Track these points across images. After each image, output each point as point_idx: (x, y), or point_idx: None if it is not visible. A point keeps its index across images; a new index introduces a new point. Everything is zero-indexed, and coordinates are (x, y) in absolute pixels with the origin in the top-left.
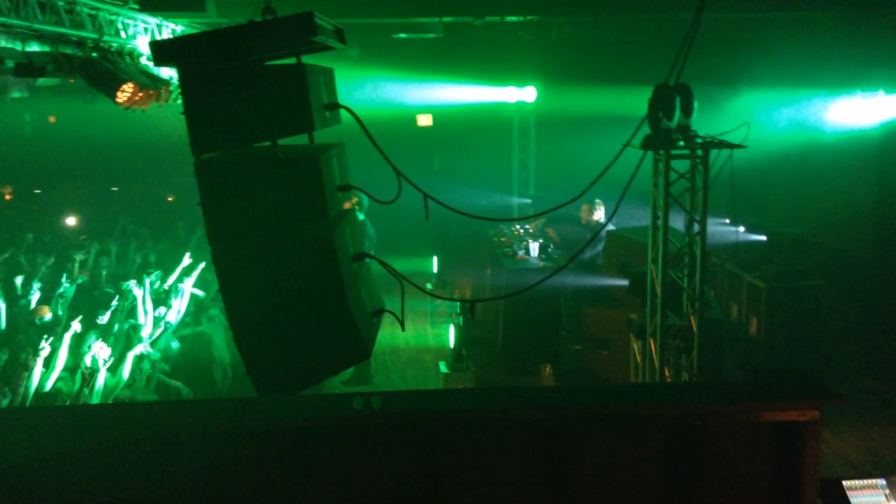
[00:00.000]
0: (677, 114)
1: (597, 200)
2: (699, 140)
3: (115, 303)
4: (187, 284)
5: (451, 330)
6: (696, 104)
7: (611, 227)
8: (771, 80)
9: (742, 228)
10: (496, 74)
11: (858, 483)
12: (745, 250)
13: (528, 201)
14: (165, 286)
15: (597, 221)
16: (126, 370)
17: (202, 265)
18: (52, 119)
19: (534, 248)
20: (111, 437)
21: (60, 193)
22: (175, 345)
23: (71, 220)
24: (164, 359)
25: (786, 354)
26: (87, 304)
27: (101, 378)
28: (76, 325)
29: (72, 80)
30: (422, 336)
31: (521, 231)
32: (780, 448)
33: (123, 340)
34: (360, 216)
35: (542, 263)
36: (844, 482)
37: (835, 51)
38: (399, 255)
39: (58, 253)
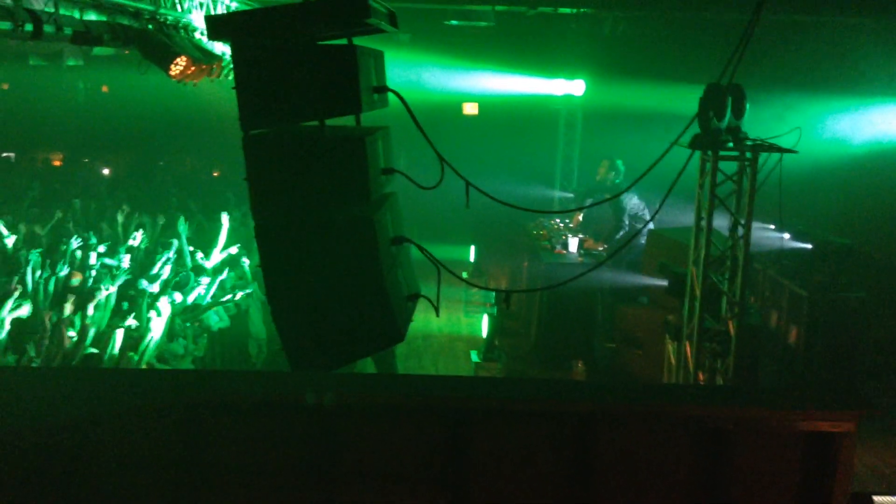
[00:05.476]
0: (728, 114)
1: (618, 161)
2: (749, 142)
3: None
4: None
5: (485, 320)
6: (748, 105)
7: (651, 225)
8: (827, 86)
9: (787, 235)
10: (546, 66)
11: (890, 500)
12: (789, 257)
13: (571, 195)
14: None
15: (612, 179)
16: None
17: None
18: (105, 89)
19: (573, 242)
20: (151, 401)
21: (109, 162)
22: (215, 318)
23: (116, 188)
24: (200, 331)
25: (825, 365)
26: (131, 270)
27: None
28: (106, 292)
29: (126, 52)
30: (455, 324)
31: (561, 225)
32: (812, 458)
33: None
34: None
35: (580, 259)
36: (875, 497)
37: (893, 58)
38: (437, 241)
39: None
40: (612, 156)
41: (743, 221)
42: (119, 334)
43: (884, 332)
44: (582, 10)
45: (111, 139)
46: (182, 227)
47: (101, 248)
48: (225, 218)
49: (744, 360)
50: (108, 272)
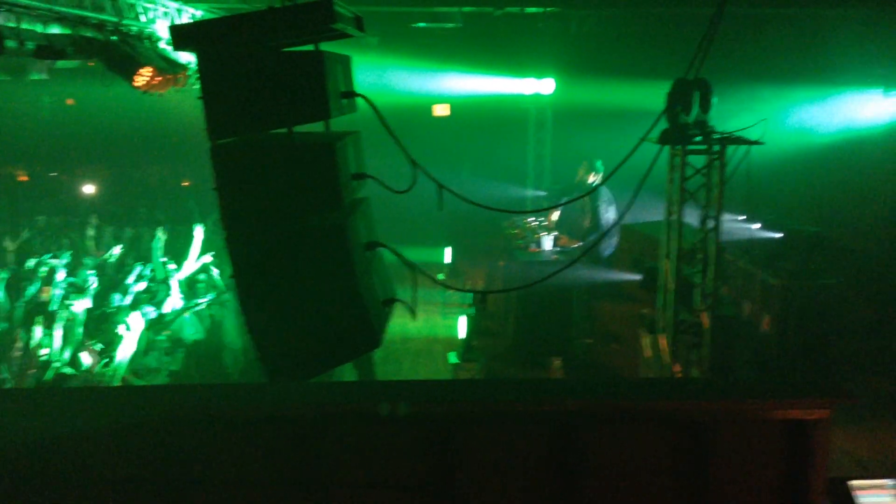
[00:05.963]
0: (695, 109)
1: (597, 163)
2: (716, 136)
3: (136, 288)
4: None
5: (462, 321)
6: (714, 99)
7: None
8: (791, 76)
9: (757, 225)
10: (515, 66)
11: (867, 483)
12: (760, 247)
13: (543, 194)
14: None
15: (589, 183)
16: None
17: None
18: (70, 102)
19: (547, 241)
20: (121, 419)
21: (76, 176)
22: (190, 330)
23: (84, 201)
24: (173, 343)
25: (798, 353)
26: (101, 285)
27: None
28: (76, 308)
29: (91, 64)
30: (433, 326)
31: (535, 224)
32: (789, 446)
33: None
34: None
35: (554, 256)
36: (852, 482)
37: (857, 48)
38: (412, 244)
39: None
40: (590, 156)
41: (713, 214)
42: (92, 351)
43: (855, 318)
44: (548, 9)
45: (78, 152)
46: (155, 241)
47: (65, 261)
48: (198, 229)
49: (718, 350)
50: (76, 289)
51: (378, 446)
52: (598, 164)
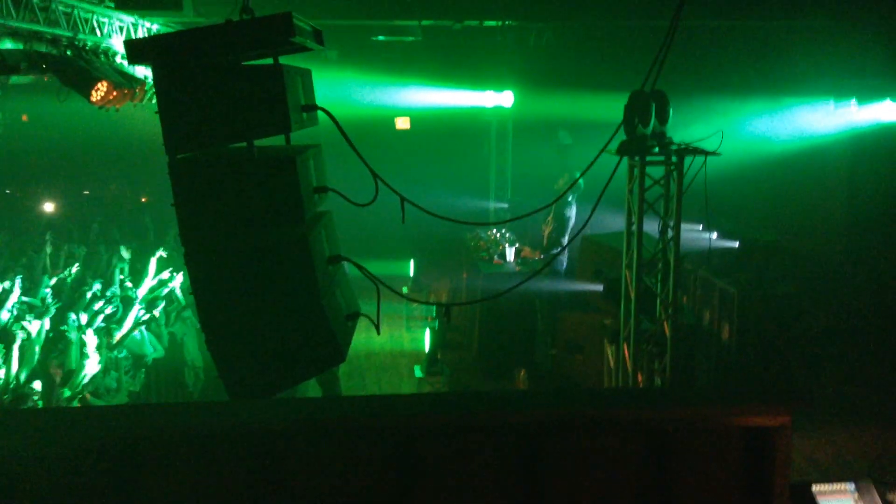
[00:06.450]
0: (653, 120)
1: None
2: (674, 147)
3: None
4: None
5: (427, 334)
6: (671, 111)
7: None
8: (746, 87)
9: (715, 234)
10: (474, 78)
11: (828, 487)
12: (718, 256)
13: (505, 206)
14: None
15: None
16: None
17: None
18: (24, 118)
19: (510, 252)
20: (80, 442)
21: (31, 194)
22: (150, 349)
23: (40, 219)
24: (134, 361)
25: (757, 360)
26: (58, 304)
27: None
28: (32, 328)
29: (45, 79)
30: (397, 340)
31: (498, 236)
32: (751, 453)
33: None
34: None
35: (518, 268)
36: (814, 486)
37: (809, 60)
38: (375, 258)
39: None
40: (570, 167)
41: (672, 224)
42: (49, 371)
43: (813, 324)
44: (507, 22)
45: (33, 169)
46: (116, 259)
47: (19, 284)
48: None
49: (680, 359)
50: (31, 309)
51: (343, 461)
52: (578, 174)
